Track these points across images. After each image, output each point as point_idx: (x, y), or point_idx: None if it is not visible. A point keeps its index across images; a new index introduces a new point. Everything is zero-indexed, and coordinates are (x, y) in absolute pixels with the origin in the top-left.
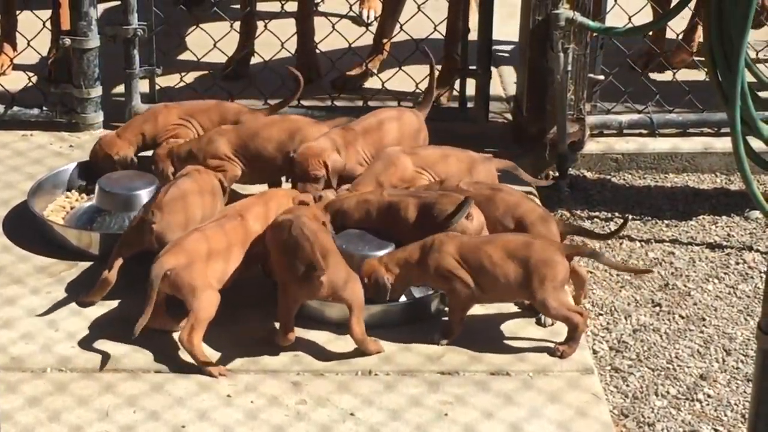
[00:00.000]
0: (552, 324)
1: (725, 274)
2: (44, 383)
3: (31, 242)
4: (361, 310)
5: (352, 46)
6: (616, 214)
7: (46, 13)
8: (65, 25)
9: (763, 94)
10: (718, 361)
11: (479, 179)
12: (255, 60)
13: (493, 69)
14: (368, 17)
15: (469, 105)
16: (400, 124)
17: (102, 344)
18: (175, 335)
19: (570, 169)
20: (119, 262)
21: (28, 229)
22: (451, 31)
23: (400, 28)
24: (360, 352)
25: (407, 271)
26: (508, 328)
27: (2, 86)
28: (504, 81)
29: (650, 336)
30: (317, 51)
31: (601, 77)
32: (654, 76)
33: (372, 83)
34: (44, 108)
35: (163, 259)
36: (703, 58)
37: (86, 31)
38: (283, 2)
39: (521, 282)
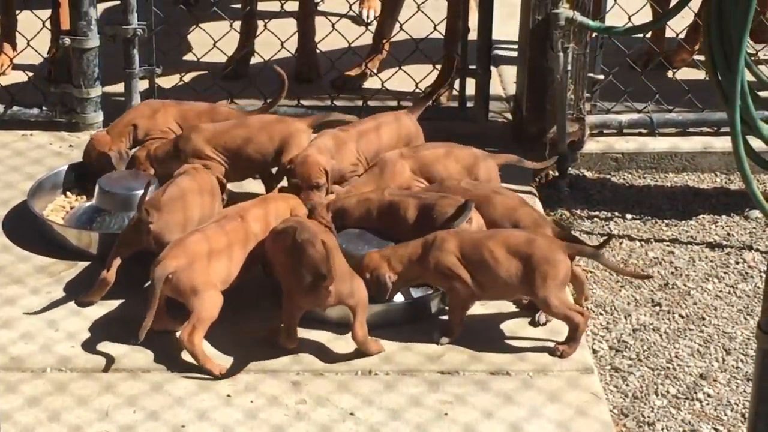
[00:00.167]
0: (545, 323)
1: (725, 273)
2: (44, 383)
3: (30, 242)
4: (365, 313)
5: (352, 45)
6: (616, 213)
7: (45, 13)
8: (65, 24)
9: (762, 93)
10: (718, 361)
11: (480, 177)
12: (255, 60)
13: (492, 68)
14: (368, 17)
15: (469, 104)
16: (398, 127)
17: (102, 344)
18: (177, 334)
19: (570, 168)
20: (118, 262)
21: (28, 229)
22: (451, 31)
23: (400, 27)
24: (360, 351)
25: (409, 268)
26: (507, 327)
27: (2, 86)
28: (504, 80)
29: (650, 335)
30: (317, 51)
31: (601, 77)
32: (654, 75)
33: (372, 83)
34: (44, 108)
35: (164, 262)
36: (703, 57)
37: (86, 30)
38: (283, 2)
39: (523, 279)
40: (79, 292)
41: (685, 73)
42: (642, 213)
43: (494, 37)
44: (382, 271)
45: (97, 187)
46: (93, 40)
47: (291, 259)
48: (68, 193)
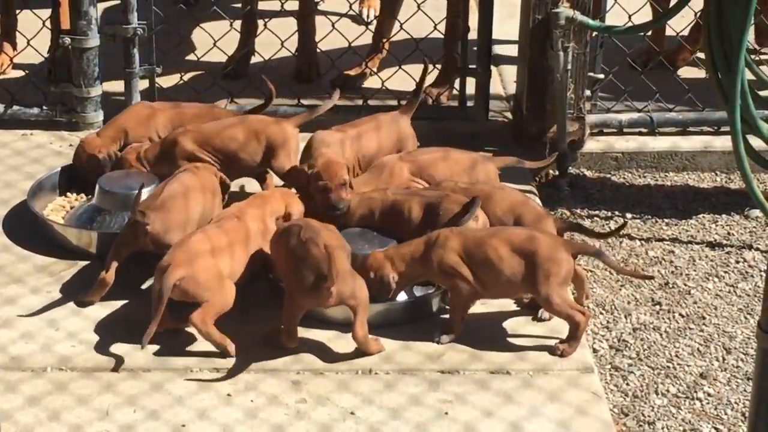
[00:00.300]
0: (549, 318)
1: (725, 272)
2: (44, 382)
3: (30, 242)
4: (366, 313)
5: (352, 45)
6: (616, 212)
7: (45, 12)
8: (65, 24)
9: (763, 92)
10: (718, 360)
11: (479, 180)
12: (255, 59)
13: (493, 68)
14: (368, 16)
15: (469, 104)
16: (395, 129)
17: (102, 344)
18: (176, 334)
19: (570, 167)
20: (116, 262)
21: (28, 229)
22: (451, 30)
23: (400, 27)
24: (360, 351)
25: (412, 267)
26: (508, 326)
27: (2, 85)
28: (504, 80)
29: (650, 334)
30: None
31: (601, 76)
32: (654, 74)
33: (372, 82)
34: (44, 107)
35: (170, 271)
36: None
37: (86, 30)
38: (283, 1)
39: (526, 276)
40: (79, 291)
41: (685, 72)
42: (642, 212)
43: (494, 36)
44: (386, 271)
45: (97, 187)
46: (93, 40)
47: (293, 258)
48: (68, 193)
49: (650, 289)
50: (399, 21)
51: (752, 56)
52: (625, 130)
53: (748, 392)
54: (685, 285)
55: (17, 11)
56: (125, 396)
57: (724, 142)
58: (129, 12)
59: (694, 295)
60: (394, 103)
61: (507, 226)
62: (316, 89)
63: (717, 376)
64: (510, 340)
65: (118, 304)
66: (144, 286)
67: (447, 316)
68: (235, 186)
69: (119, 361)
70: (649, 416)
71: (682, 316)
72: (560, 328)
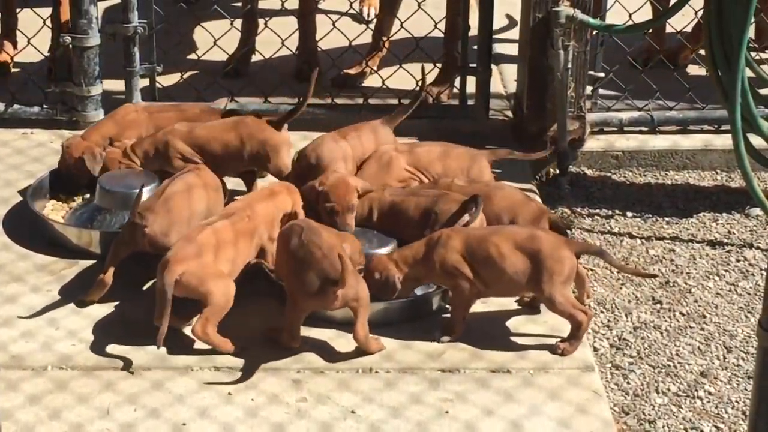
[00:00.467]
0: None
1: (726, 271)
2: (44, 381)
3: (31, 240)
4: (367, 313)
5: (353, 44)
6: (617, 211)
7: (46, 11)
8: (65, 23)
9: (763, 91)
10: (718, 359)
11: (472, 175)
12: (255, 58)
13: (493, 66)
14: (368, 15)
15: (470, 102)
16: (375, 138)
17: (102, 342)
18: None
19: (570, 166)
20: (116, 263)
21: (28, 228)
22: (451, 29)
23: (401, 25)
24: (361, 349)
25: (416, 269)
26: (508, 325)
27: (3, 84)
28: (504, 78)
29: (651, 333)
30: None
31: (602, 74)
32: (654, 73)
33: (372, 81)
34: (45, 106)
35: (171, 266)
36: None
37: (87, 29)
38: (283, 0)
39: (529, 275)
40: (79, 290)
41: (685, 71)
42: (643, 211)
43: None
44: (392, 273)
45: (98, 186)
46: (94, 39)
47: (294, 260)
48: (60, 195)
49: (651, 288)
50: (399, 19)
51: (752, 54)
52: (625, 128)
53: (749, 391)
54: (686, 283)
55: (18, 10)
56: (126, 394)
57: (724, 141)
58: (129, 11)
59: (694, 294)
60: (394, 101)
61: (506, 225)
62: (316, 88)
63: (718, 374)
64: (510, 338)
65: (118, 303)
66: (145, 287)
67: (448, 315)
68: (234, 185)
69: (120, 359)
70: (649, 415)
71: (683, 315)
72: (561, 326)
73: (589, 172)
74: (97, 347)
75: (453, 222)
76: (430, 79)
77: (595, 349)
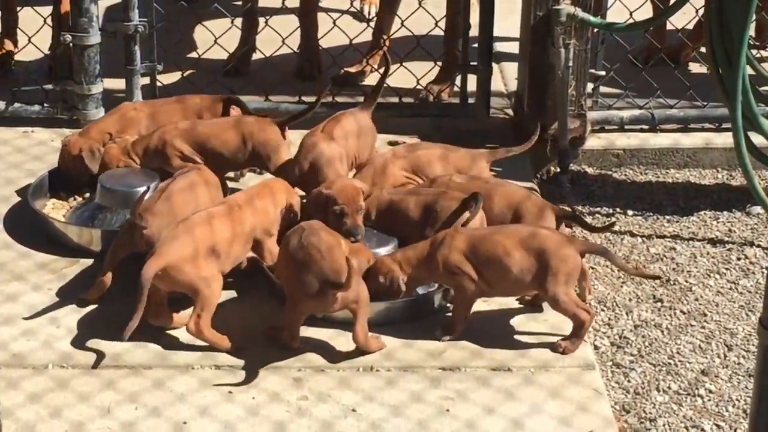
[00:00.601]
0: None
1: (726, 269)
2: (45, 380)
3: (31, 239)
4: (366, 315)
5: (353, 42)
6: (617, 209)
7: (47, 10)
8: (66, 21)
9: (764, 89)
10: (719, 357)
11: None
12: (256, 56)
13: (494, 65)
14: (369, 13)
15: (471, 101)
16: (355, 122)
17: (103, 341)
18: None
19: (571, 164)
20: (115, 263)
21: (29, 226)
22: (452, 28)
23: (401, 24)
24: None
25: (419, 269)
26: (509, 324)
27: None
28: (505, 77)
29: (651, 331)
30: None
31: (602, 73)
32: (655, 71)
33: (373, 79)
34: (45, 104)
35: (150, 261)
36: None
37: (87, 27)
38: None
39: (533, 273)
40: (80, 288)
41: (685, 69)
42: (643, 209)
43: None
44: (396, 274)
45: (98, 185)
46: (94, 37)
47: (293, 261)
48: (61, 194)
49: (651, 286)
50: (400, 18)
51: (752, 51)
52: (626, 126)
53: (750, 389)
54: (687, 282)
55: (18, 8)
56: (126, 393)
57: (725, 139)
58: (130, 9)
59: (695, 292)
60: (395, 99)
61: (506, 221)
62: (317, 87)
63: (718, 373)
64: (511, 337)
65: (119, 302)
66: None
67: (449, 314)
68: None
69: (120, 358)
70: (650, 413)
71: (684, 313)
72: (561, 325)
73: (589, 170)
74: (98, 346)
75: (453, 220)
76: (430, 77)
77: (596, 348)
